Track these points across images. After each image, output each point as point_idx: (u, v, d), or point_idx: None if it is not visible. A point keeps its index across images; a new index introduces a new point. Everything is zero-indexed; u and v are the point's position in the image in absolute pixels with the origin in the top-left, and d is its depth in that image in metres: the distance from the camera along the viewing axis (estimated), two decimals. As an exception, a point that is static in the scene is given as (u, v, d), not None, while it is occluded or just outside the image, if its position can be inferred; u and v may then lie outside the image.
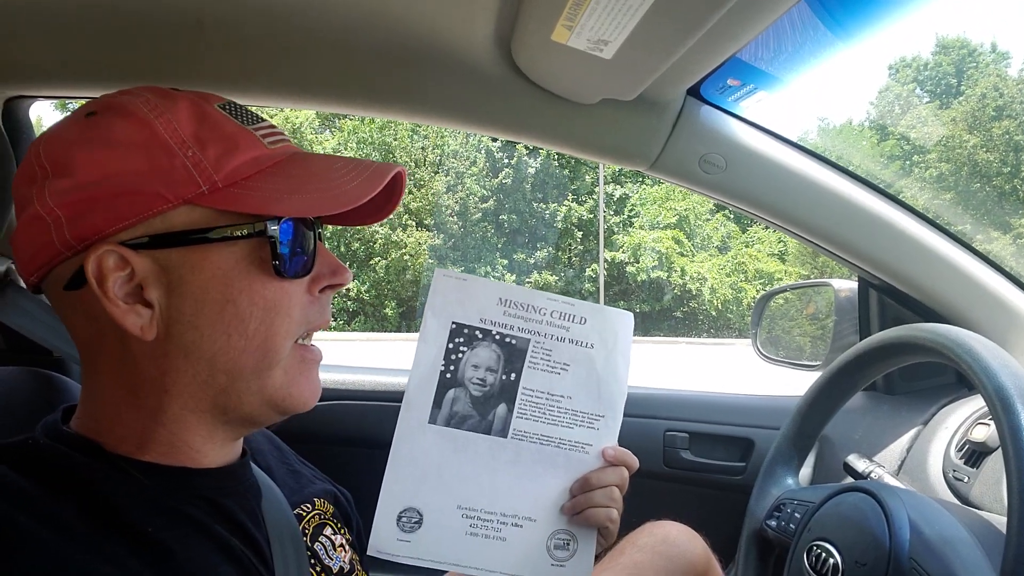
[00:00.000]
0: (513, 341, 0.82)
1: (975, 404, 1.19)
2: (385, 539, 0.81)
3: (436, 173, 21.05)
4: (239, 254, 0.62)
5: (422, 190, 20.43)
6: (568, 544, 0.84)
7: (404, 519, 0.81)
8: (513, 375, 0.82)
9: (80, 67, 1.07)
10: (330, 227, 0.76)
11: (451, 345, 0.82)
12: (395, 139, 21.07)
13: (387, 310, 19.82)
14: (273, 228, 0.62)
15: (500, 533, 0.83)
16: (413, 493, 0.82)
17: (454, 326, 0.82)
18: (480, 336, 0.82)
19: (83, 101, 1.01)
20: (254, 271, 0.62)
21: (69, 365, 1.23)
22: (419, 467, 0.82)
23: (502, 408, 0.83)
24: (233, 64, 1.06)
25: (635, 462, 0.87)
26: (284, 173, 0.64)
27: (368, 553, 0.82)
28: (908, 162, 26.10)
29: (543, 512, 0.84)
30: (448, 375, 0.82)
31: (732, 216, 22.73)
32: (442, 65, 1.05)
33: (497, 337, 0.82)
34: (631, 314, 0.85)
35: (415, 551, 0.81)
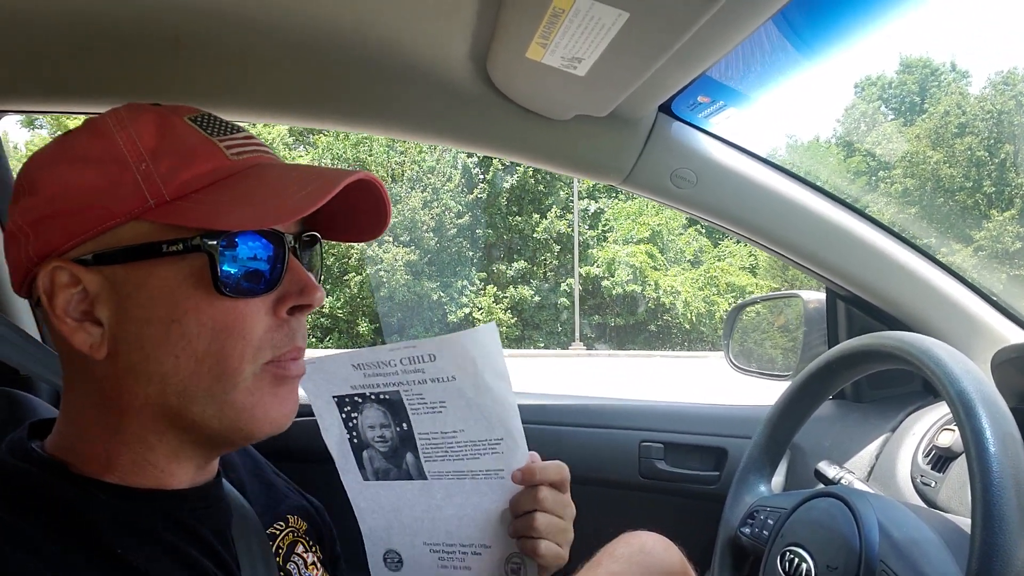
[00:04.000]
0: (387, 396, 0.81)
1: (941, 411, 1.22)
2: None
3: (413, 189, 21.03)
4: (185, 271, 0.59)
5: (398, 205, 20.39)
6: (519, 569, 0.84)
7: (388, 560, 0.88)
8: (405, 425, 0.82)
9: (49, 82, 1.07)
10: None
11: (343, 416, 0.84)
12: (370, 155, 21.04)
13: (361, 327, 19.67)
14: (211, 243, 0.58)
15: (464, 562, 0.85)
16: (387, 538, 0.88)
17: (336, 399, 0.83)
18: (359, 400, 0.82)
19: (51, 116, 1.00)
20: (201, 289, 0.59)
21: (36, 384, 1.21)
22: (380, 516, 0.87)
23: (410, 456, 0.83)
24: (209, 80, 1.06)
25: (558, 475, 0.81)
26: (236, 185, 0.61)
27: None
28: (874, 177, 26.71)
29: (494, 538, 0.84)
30: (355, 440, 0.85)
31: (704, 230, 23.03)
32: (419, 81, 1.06)
33: (372, 397, 0.82)
34: (489, 326, 0.77)
35: None
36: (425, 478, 0.83)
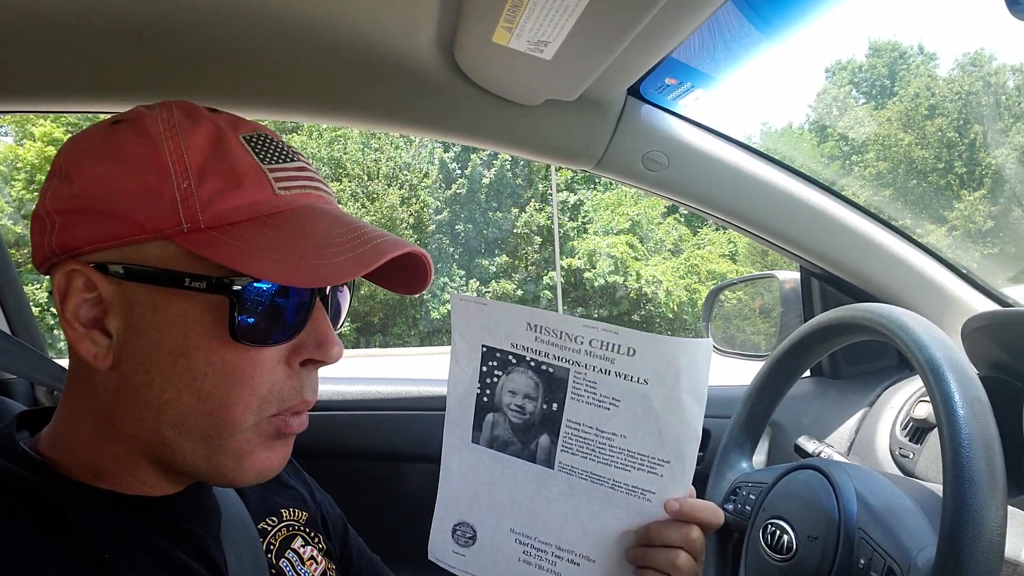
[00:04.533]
0: (551, 369, 0.72)
1: (916, 384, 1.24)
2: (441, 548, 0.80)
3: (390, 186, 20.93)
4: (203, 308, 0.57)
5: (376, 203, 20.28)
6: None
7: (459, 532, 0.80)
8: (555, 405, 0.73)
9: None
10: None
11: (484, 368, 0.75)
12: (345, 153, 20.89)
13: (343, 326, 19.57)
14: (236, 288, 0.56)
15: (555, 567, 0.77)
16: (466, 509, 0.79)
17: (485, 349, 0.75)
18: (514, 361, 0.74)
19: (16, 123, 0.98)
20: (216, 329, 0.57)
21: (11, 387, 1.20)
22: (470, 484, 0.78)
23: (545, 439, 0.74)
24: (172, 74, 1.04)
25: (713, 519, 0.74)
26: (277, 227, 0.58)
27: (429, 558, 0.81)
28: (848, 162, 27.02)
29: (603, 554, 0.75)
30: (485, 399, 0.76)
31: (683, 219, 23.16)
32: (386, 70, 1.05)
33: (532, 363, 0.73)
34: (706, 341, 0.70)
35: (469, 566, 0.80)
36: (551, 467, 0.75)
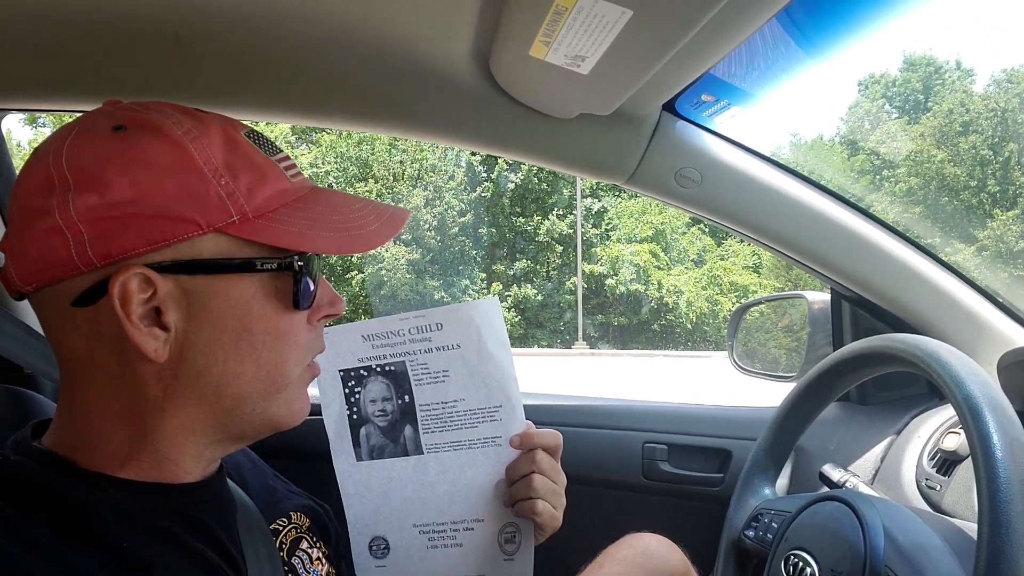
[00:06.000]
0: (392, 367, 0.86)
1: (946, 414, 1.21)
2: (365, 568, 0.90)
3: (414, 187, 21.05)
4: (259, 284, 0.63)
5: (400, 204, 20.40)
6: (515, 537, 0.88)
7: (374, 547, 0.89)
8: (407, 397, 0.86)
9: (55, 80, 1.06)
10: None
11: (347, 390, 0.88)
12: (372, 154, 21.05)
13: (363, 325, 19.70)
14: (300, 263, 0.64)
15: (456, 540, 0.88)
16: (374, 524, 0.89)
17: (342, 373, 0.87)
18: (365, 373, 0.87)
19: (56, 114, 1.00)
20: (272, 301, 0.64)
21: (41, 382, 1.21)
22: (369, 500, 0.89)
23: (408, 430, 0.87)
24: (212, 78, 1.05)
25: (551, 440, 0.87)
26: (307, 208, 0.66)
27: None
28: (878, 176, 26.64)
29: (488, 510, 0.87)
30: (355, 416, 0.88)
31: (707, 230, 22.99)
32: (421, 80, 1.05)
33: (378, 369, 0.86)
34: (492, 299, 0.85)
35: (392, 574, 0.89)
36: (421, 452, 0.87)
